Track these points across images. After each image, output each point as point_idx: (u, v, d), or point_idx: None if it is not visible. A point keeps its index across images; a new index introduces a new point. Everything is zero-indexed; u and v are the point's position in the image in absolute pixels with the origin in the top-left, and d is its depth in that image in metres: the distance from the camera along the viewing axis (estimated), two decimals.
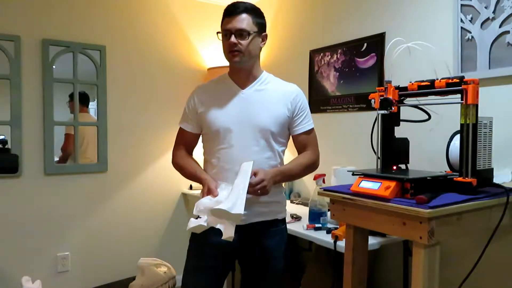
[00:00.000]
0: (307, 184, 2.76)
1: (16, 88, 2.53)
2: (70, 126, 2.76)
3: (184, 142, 1.67)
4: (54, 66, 2.65)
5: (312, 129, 1.65)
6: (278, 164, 1.58)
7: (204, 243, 1.57)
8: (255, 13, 1.55)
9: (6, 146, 2.54)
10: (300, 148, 1.64)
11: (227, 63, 1.60)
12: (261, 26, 1.57)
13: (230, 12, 1.52)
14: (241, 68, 1.58)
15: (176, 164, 1.67)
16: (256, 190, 1.42)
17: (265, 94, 1.59)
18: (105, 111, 2.85)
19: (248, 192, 1.36)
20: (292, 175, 1.63)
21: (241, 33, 1.51)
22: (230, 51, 1.52)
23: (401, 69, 1.88)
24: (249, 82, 1.60)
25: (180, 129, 1.68)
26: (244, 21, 1.51)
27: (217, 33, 1.58)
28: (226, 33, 1.53)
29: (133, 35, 2.96)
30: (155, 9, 3.05)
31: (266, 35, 1.60)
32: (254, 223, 1.55)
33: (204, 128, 1.61)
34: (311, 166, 1.64)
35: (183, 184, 3.20)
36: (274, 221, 1.61)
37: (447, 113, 1.53)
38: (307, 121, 1.63)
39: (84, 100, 2.85)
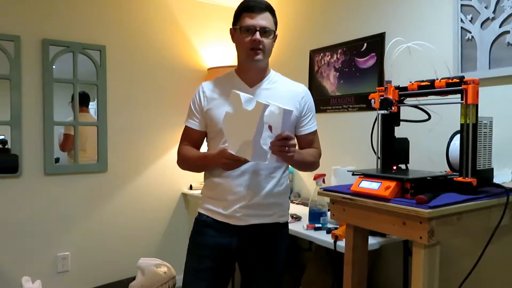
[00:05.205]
0: (307, 184, 2.76)
1: (16, 88, 2.53)
2: (70, 126, 2.76)
3: (190, 140, 1.61)
4: (54, 66, 2.65)
5: (316, 130, 1.65)
6: (284, 164, 1.56)
7: (203, 244, 1.56)
8: (273, 12, 1.54)
9: (6, 146, 2.54)
10: (305, 148, 1.63)
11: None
12: (277, 26, 1.56)
13: (253, 9, 1.48)
14: (255, 67, 1.55)
15: (181, 159, 1.61)
16: (289, 144, 1.34)
17: (275, 93, 1.56)
18: (105, 111, 2.85)
19: (277, 140, 1.32)
20: (303, 161, 1.56)
21: (265, 31, 1.49)
22: (252, 48, 1.49)
23: (401, 69, 1.88)
24: (257, 80, 1.57)
25: (186, 127, 1.62)
26: (268, 19, 1.50)
27: (233, 28, 1.55)
28: (249, 28, 1.48)
29: (133, 35, 2.96)
30: (155, 9, 3.04)
31: (277, 35, 1.57)
32: (255, 225, 1.53)
33: (209, 126, 1.57)
34: (316, 163, 1.63)
35: (183, 184, 3.20)
36: (275, 225, 1.58)
37: (447, 113, 1.53)
38: (313, 122, 1.63)
39: (85, 100, 2.85)
